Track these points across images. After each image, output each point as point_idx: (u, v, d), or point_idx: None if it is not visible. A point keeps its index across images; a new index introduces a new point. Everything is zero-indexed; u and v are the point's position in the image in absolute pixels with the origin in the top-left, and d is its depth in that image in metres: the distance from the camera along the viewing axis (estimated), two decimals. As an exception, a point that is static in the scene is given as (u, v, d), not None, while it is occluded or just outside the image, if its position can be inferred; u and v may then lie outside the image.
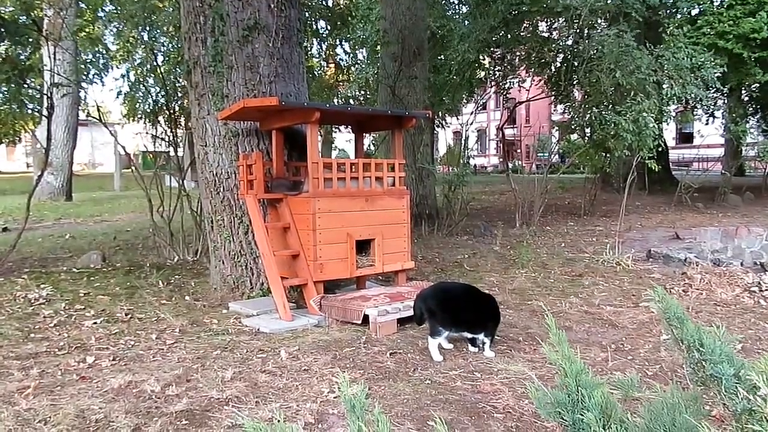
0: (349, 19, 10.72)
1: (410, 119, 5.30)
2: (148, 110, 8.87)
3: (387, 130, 6.19)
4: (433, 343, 3.63)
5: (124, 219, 12.18)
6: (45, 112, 7.21)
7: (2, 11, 6.75)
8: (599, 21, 10.35)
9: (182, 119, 8.40)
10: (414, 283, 5.28)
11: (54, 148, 13.79)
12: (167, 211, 7.19)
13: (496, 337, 3.82)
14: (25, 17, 6.90)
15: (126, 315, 4.60)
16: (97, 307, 4.76)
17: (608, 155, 10.81)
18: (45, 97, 6.63)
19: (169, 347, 3.87)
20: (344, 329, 4.31)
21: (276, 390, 3.10)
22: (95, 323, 4.34)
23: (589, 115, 10.00)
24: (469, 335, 3.72)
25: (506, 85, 15.93)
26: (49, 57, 7.23)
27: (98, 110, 8.57)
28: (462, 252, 7.93)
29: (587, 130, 10.98)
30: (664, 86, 9.13)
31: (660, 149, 11.72)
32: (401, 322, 4.35)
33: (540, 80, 15.99)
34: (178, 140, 8.45)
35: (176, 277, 6.14)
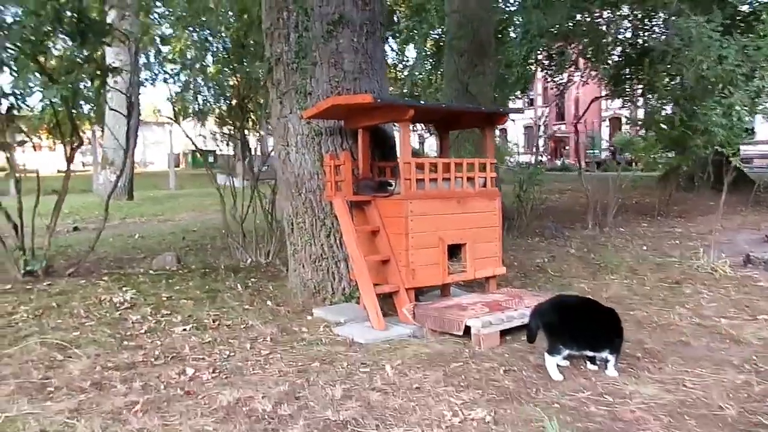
0: (423, 13, 10.46)
1: (503, 116, 5.00)
2: (198, 110, 8.86)
3: (474, 128, 5.91)
4: (551, 362, 3.33)
5: (186, 218, 12.24)
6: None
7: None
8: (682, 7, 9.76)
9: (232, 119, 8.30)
10: (506, 290, 4.98)
11: (117, 147, 13.99)
12: (240, 211, 7.07)
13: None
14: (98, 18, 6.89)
15: (213, 321, 4.45)
16: (183, 312, 4.63)
17: (688, 152, 10.20)
18: (125, 96, 6.58)
19: (265, 358, 3.68)
20: (443, 341, 4.05)
21: (393, 412, 2.86)
22: (185, 330, 4.20)
23: (669, 110, 9.46)
24: (591, 353, 3.40)
25: (560, 80, 15.40)
26: (131, 57, 7.21)
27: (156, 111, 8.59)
28: (538, 255, 7.57)
29: (664, 126, 10.39)
30: (755, 79, 8.52)
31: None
32: (503, 334, 4.07)
33: (596, 75, 15.40)
34: (231, 139, 8.35)
35: (253, 280, 5.99)
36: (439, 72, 15.76)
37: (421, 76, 15.49)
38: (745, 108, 8.33)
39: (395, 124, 4.76)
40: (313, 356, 3.72)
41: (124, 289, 5.16)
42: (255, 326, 4.35)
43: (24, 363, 3.42)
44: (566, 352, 3.34)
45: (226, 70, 8.39)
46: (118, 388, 3.07)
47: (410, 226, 4.44)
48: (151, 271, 6.16)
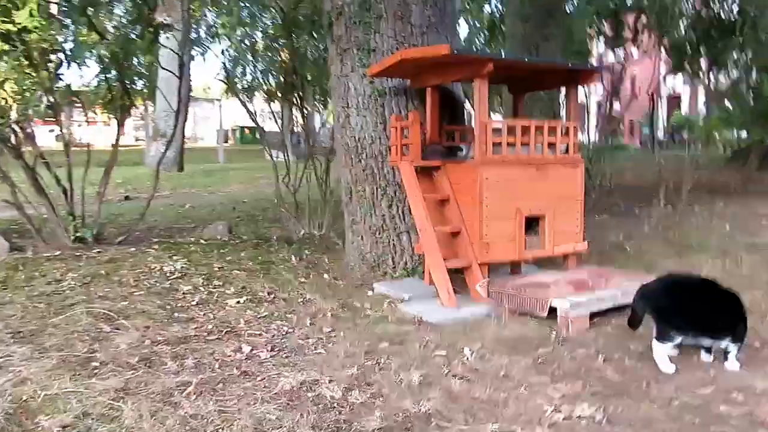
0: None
1: (591, 73, 4.45)
2: (247, 86, 8.74)
3: (554, 89, 5.37)
4: (662, 350, 2.85)
5: (236, 190, 12.04)
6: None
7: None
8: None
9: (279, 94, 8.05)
10: (588, 268, 4.48)
11: (167, 116, 13.89)
12: (293, 181, 6.72)
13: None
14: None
15: (269, 294, 4.12)
16: (236, 283, 4.31)
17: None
18: (177, 56, 6.27)
19: (327, 337, 3.32)
20: (524, 322, 3.61)
21: (481, 404, 2.45)
22: (239, 302, 3.87)
23: (755, 78, 8.64)
24: (709, 341, 2.90)
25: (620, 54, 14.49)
26: (183, 15, 6.91)
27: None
28: (612, 232, 6.98)
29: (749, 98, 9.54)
30: None
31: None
32: (592, 317, 3.60)
33: (657, 47, 14.41)
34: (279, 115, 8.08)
35: (307, 252, 5.65)
36: (495, 45, 15.07)
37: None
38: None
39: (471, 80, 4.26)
40: (381, 335, 3.34)
41: (174, 258, 4.88)
42: (313, 300, 4.00)
43: (69, 334, 3.14)
44: (679, 338, 2.85)
45: (275, 45, 8.08)
46: (169, 366, 2.75)
47: (485, 194, 3.98)
48: (202, 241, 5.88)
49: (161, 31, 5.71)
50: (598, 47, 17.43)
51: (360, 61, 4.69)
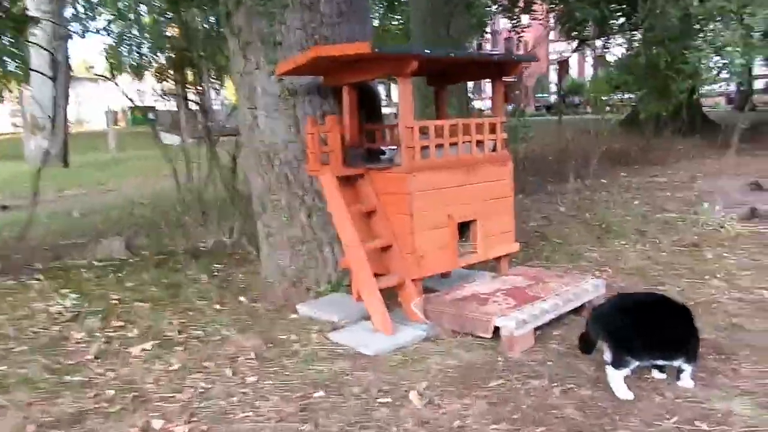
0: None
1: (517, 65, 4.20)
2: (134, 64, 8.10)
3: (478, 80, 5.09)
4: (618, 377, 2.68)
5: (133, 187, 11.07)
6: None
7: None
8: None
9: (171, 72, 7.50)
10: (521, 269, 4.30)
11: (46, 108, 12.50)
12: (196, 179, 6.12)
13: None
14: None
15: (180, 333, 3.62)
16: (140, 322, 3.76)
17: (668, 98, 9.66)
18: (48, 52, 5.41)
19: (254, 390, 2.90)
20: (465, 344, 3.36)
21: (442, 473, 2.16)
22: (145, 350, 3.35)
23: (653, 52, 8.84)
24: (663, 362, 2.77)
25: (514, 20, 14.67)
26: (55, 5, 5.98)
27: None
28: (530, 216, 6.94)
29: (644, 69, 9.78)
30: (745, 16, 7.93)
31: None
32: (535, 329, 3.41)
33: (546, 14, 14.68)
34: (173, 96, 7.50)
35: (218, 266, 5.15)
36: (397, 18, 14.72)
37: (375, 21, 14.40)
38: (738, 49, 7.79)
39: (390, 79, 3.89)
40: (314, 380, 2.96)
41: (63, 292, 4.23)
42: (231, 338, 3.55)
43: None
44: (635, 363, 2.69)
45: (163, 19, 7.37)
46: (61, 465, 2.25)
47: (415, 203, 3.66)
48: (95, 262, 5.21)
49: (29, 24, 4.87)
50: (493, 17, 17.53)
51: (266, 57, 4.19)
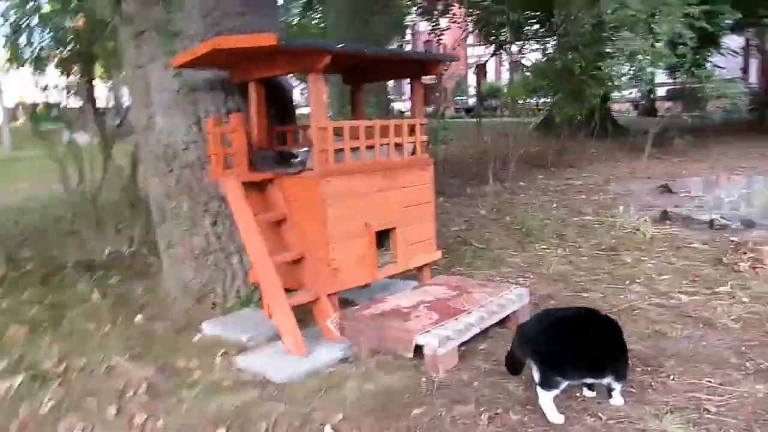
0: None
1: (437, 64, 3.98)
2: (34, 57, 7.48)
3: (397, 79, 4.83)
4: (548, 399, 2.48)
5: (24, 190, 10.09)
6: None
7: None
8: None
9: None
10: (443, 279, 4.08)
11: None
12: (91, 181, 5.54)
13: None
14: None
15: (58, 363, 3.13)
16: (13, 350, 3.24)
17: (582, 102, 9.85)
18: None
19: (141, 428, 2.50)
20: (386, 365, 3.08)
21: None
22: (11, 387, 2.85)
23: (568, 58, 8.97)
24: (593, 380, 2.60)
25: (433, 23, 14.76)
26: None
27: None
28: (451, 220, 6.80)
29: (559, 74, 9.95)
30: (655, 24, 8.18)
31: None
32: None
33: (463, 19, 14.88)
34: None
35: (114, 281, 4.63)
36: (317, 14, 14.37)
37: (295, 18, 14.00)
38: (647, 57, 8.00)
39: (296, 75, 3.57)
40: (215, 417, 2.60)
41: None
42: (121, 367, 3.10)
43: None
44: (565, 383, 2.50)
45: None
46: None
47: (329, 212, 3.36)
48: (-35, 279, 4.56)
49: None
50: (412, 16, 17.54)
51: (163, 48, 3.76)
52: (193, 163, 3.88)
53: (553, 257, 5.11)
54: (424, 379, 2.90)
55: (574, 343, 2.49)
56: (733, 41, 18.43)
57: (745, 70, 24.10)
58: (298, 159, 3.71)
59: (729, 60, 17.87)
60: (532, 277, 4.63)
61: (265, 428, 2.49)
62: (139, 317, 3.95)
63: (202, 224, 3.99)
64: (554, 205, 7.57)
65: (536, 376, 2.52)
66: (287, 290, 3.48)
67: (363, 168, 3.54)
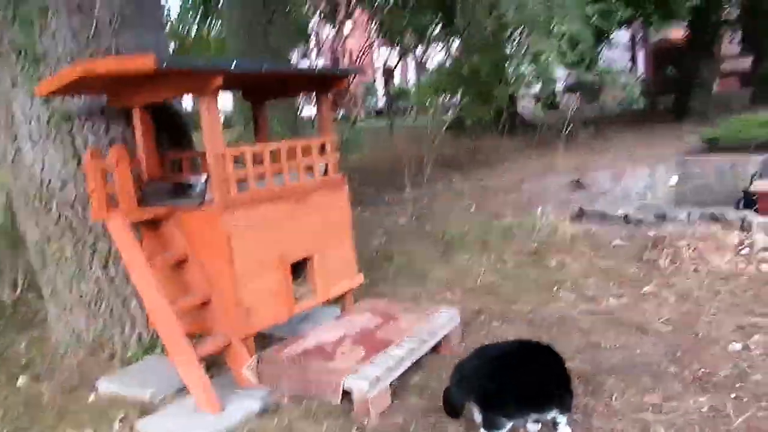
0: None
1: (342, 79, 3.70)
2: None
3: (300, 95, 4.52)
4: (493, 441, 2.27)
5: None
6: None
7: None
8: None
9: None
10: (367, 304, 3.80)
11: None
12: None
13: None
14: None
15: None
16: None
17: (490, 103, 9.89)
18: None
19: None
20: (312, 412, 2.77)
21: None
22: None
23: (473, 60, 8.96)
24: (538, 416, 2.41)
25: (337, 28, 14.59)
26: None
27: None
28: (370, 232, 6.54)
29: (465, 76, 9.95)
30: (555, 25, 8.31)
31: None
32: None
33: (367, 22, 14.83)
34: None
35: (-8, 336, 4.03)
36: (213, 25, 13.78)
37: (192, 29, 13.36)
38: (551, 57, 8.10)
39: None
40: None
41: None
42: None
43: None
44: (510, 424, 2.29)
45: None
46: None
47: (235, 247, 3.00)
48: None
49: None
50: (315, 22, 17.28)
51: (26, 72, 3.26)
52: (73, 202, 3.39)
53: (477, 267, 4.95)
54: (355, 429, 2.60)
55: (517, 380, 2.28)
56: (621, 35, 19.37)
57: (633, 61, 25.47)
58: (197, 190, 3.32)
59: (619, 53, 18.77)
60: (459, 292, 4.44)
61: None
62: (22, 379, 3.42)
63: (91, 268, 3.51)
64: (472, 210, 7.48)
65: (478, 418, 2.30)
66: (194, 336, 3.10)
67: (270, 195, 3.20)
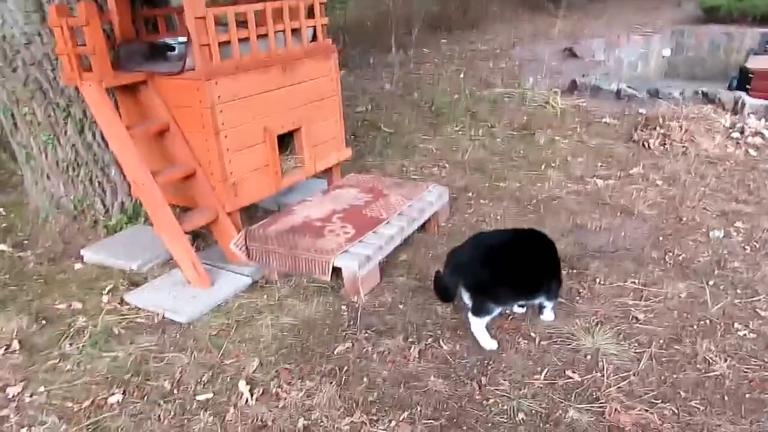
0: None
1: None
2: None
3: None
4: (480, 325, 2.33)
5: None
6: None
7: None
8: None
9: None
10: (354, 179, 3.72)
11: None
12: None
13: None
14: None
15: None
16: None
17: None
18: None
19: (19, 407, 2.11)
20: (301, 289, 2.81)
21: None
22: None
23: None
24: (526, 302, 2.46)
25: None
26: None
27: None
28: (356, 100, 6.32)
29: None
30: None
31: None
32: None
33: None
34: None
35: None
36: None
37: None
38: None
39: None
40: (108, 375, 2.25)
41: None
42: (-15, 319, 2.62)
43: None
44: (498, 309, 2.34)
45: None
46: None
47: (220, 119, 2.84)
48: None
49: None
50: None
51: None
52: (42, 60, 3.13)
53: (466, 141, 4.87)
54: (344, 306, 2.65)
55: (507, 270, 2.29)
56: None
57: None
58: (176, 52, 3.09)
59: None
60: (447, 166, 4.39)
61: (169, 387, 2.17)
62: (3, 246, 3.38)
63: (65, 133, 3.34)
64: (461, 76, 7.21)
65: (468, 303, 2.34)
66: (179, 209, 3.05)
67: (256, 63, 2.99)
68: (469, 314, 2.33)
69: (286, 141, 3.42)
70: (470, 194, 3.90)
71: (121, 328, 2.55)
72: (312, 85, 3.36)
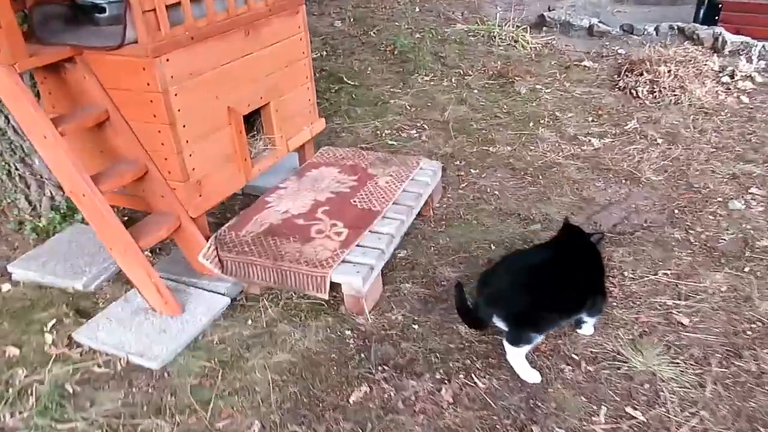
0: None
1: None
2: None
3: None
4: (520, 356, 1.97)
5: None
6: None
7: None
8: None
9: None
10: (331, 154, 3.21)
11: None
12: None
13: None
14: None
15: None
16: None
17: None
18: None
19: None
20: (293, 311, 2.36)
21: None
22: None
23: None
24: (566, 322, 2.11)
25: None
26: None
27: None
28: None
29: None
30: None
31: None
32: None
33: None
34: None
35: None
36: None
37: None
38: None
39: None
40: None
41: None
42: None
43: None
44: (540, 337, 1.99)
45: None
46: None
47: (176, 104, 2.26)
48: None
49: None
50: None
51: None
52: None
53: (441, 95, 4.38)
54: (348, 331, 2.23)
55: (551, 293, 1.91)
56: None
57: None
58: (106, 14, 2.42)
59: None
60: (426, 127, 3.92)
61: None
62: None
63: (-29, 119, 2.65)
64: (417, 10, 6.58)
65: (503, 327, 1.97)
66: (131, 216, 2.49)
67: (214, 29, 2.38)
68: (508, 345, 1.97)
69: (254, 120, 2.85)
70: (459, 163, 3.48)
71: (75, 384, 2.04)
72: (280, 49, 2.78)
